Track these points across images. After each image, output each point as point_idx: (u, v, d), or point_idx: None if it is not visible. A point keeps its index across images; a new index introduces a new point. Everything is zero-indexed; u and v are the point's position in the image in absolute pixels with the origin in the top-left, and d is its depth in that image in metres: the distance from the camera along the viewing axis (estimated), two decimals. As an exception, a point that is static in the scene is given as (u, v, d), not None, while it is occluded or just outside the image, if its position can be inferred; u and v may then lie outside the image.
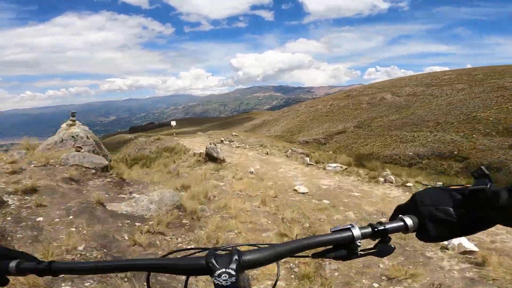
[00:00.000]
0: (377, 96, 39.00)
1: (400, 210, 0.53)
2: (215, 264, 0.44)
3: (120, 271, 0.50)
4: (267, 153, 11.40)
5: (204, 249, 0.49)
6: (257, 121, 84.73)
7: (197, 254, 0.54)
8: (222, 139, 14.74)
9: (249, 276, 0.43)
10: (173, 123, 19.72)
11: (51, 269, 0.48)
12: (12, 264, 0.48)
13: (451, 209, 0.46)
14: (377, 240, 0.51)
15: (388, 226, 0.50)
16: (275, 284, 0.59)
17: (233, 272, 0.43)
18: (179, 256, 0.52)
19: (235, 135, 16.25)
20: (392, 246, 0.49)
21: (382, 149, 21.15)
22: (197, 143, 14.01)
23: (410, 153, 18.63)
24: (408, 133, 22.61)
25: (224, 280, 0.42)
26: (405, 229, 0.50)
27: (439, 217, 0.47)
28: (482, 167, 0.46)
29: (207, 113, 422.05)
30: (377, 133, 25.68)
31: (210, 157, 9.55)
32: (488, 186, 0.42)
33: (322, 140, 29.66)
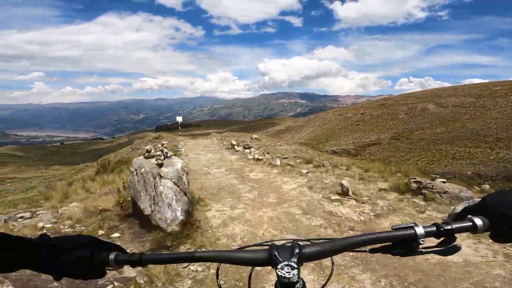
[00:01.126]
0: (417, 106, 35.23)
1: (468, 211, 0.52)
2: (278, 257, 0.47)
3: (196, 261, 0.53)
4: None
5: (268, 244, 0.52)
6: (280, 127, 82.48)
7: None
8: (234, 143, 10.66)
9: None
10: (179, 119, 17.04)
11: (142, 260, 0.53)
12: (112, 256, 0.52)
13: None
14: (441, 239, 0.50)
15: (454, 226, 0.49)
16: (329, 278, 0.60)
17: (294, 265, 0.45)
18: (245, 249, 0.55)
19: (256, 138, 13.00)
20: (458, 245, 0.48)
21: (430, 166, 18.03)
22: (199, 147, 11.32)
23: (469, 173, 15.41)
24: (461, 148, 19.23)
25: (287, 272, 0.44)
26: (473, 229, 0.49)
27: (510, 215, 0.46)
28: None
29: (231, 116, 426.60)
30: (420, 146, 22.40)
31: (135, 208, 3.85)
32: None
33: (352, 150, 26.71)
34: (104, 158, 14.40)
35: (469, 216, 0.50)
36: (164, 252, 0.62)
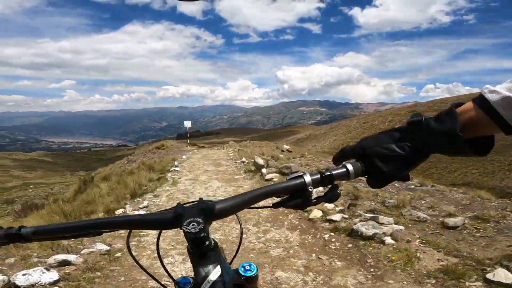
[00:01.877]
0: (454, 112, 32.25)
1: (345, 154, 0.54)
2: (183, 215, 0.46)
3: (99, 229, 0.49)
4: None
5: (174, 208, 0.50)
6: (301, 135, 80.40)
7: None
8: (261, 162, 6.95)
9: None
10: (187, 124, 14.41)
11: (21, 235, 0.47)
12: None
13: (393, 145, 0.49)
14: (328, 187, 0.52)
15: (333, 172, 0.51)
16: (240, 237, 0.63)
17: (200, 220, 0.44)
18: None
19: (288, 150, 10.52)
20: (338, 192, 0.51)
21: (482, 178, 15.51)
22: (205, 165, 8.45)
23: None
24: (517, 159, 16.49)
25: (192, 227, 0.43)
26: (347, 175, 0.51)
27: (384, 153, 0.49)
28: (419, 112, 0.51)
29: (250, 124, 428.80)
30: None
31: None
32: (423, 117, 0.48)
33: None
34: (89, 173, 13.36)
35: (343, 162, 0.52)
36: (53, 223, 0.50)
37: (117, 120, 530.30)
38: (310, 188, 0.50)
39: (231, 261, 0.61)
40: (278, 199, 0.53)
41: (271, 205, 0.53)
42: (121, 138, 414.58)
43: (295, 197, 0.51)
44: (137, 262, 0.53)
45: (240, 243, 0.63)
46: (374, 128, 39.86)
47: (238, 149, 11.77)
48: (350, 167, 0.51)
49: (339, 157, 0.54)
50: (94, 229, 0.48)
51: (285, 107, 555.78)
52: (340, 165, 0.52)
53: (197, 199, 0.50)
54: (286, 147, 11.09)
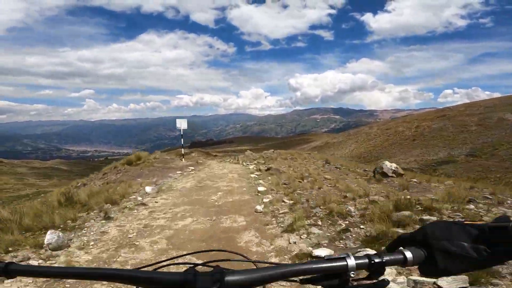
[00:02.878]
0: (491, 116, 29.02)
1: (402, 241, 0.50)
2: (193, 283, 0.40)
3: (96, 279, 0.45)
4: None
5: (186, 264, 0.46)
6: (316, 143, 77.66)
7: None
8: None
9: None
10: (182, 124, 11.16)
11: (7, 270, 0.46)
12: None
13: (466, 244, 0.44)
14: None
15: (385, 258, 0.46)
16: None
17: None
18: (157, 270, 0.48)
19: (341, 166, 8.49)
20: (387, 280, 0.46)
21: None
22: (197, 211, 4.70)
23: None
24: None
25: None
26: (403, 262, 0.46)
27: (453, 251, 0.44)
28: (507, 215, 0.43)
29: (264, 132, 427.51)
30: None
31: None
32: (511, 224, 0.41)
33: (416, 170, 21.72)
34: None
35: (400, 248, 0.48)
36: (43, 265, 0.42)
37: (133, 129, 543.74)
38: (353, 274, 0.44)
39: None
40: (309, 275, 0.46)
41: (298, 280, 0.47)
42: (137, 147, 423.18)
43: (331, 277, 0.45)
44: None
45: None
46: (399, 135, 36.95)
47: (260, 166, 8.50)
48: (409, 254, 0.46)
49: (396, 245, 0.49)
50: (93, 278, 0.44)
51: (298, 115, 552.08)
52: (396, 251, 0.48)
53: (213, 261, 0.44)
54: (340, 164, 8.54)
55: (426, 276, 0.48)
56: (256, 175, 7.38)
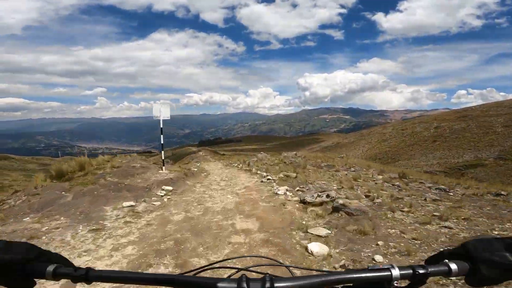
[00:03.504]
0: (520, 117, 27.06)
1: (445, 255, 0.52)
2: None
3: (159, 284, 0.49)
4: None
5: (237, 269, 0.48)
6: (327, 143, 75.86)
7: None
8: None
9: None
10: (161, 112, 8.12)
11: (87, 277, 0.49)
12: (50, 268, 0.49)
13: (507, 253, 0.46)
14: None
15: (430, 270, 0.48)
16: None
17: None
18: (213, 276, 0.50)
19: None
20: None
21: None
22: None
23: None
24: None
25: None
26: (447, 273, 0.49)
27: (496, 261, 0.47)
28: None
29: (272, 132, 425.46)
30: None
31: None
32: None
33: (440, 173, 20.18)
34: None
35: (445, 260, 0.50)
36: (117, 270, 0.54)
37: (144, 127, 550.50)
38: (396, 283, 0.46)
39: None
40: (351, 284, 0.48)
41: None
42: (146, 145, 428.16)
43: (373, 286, 0.47)
44: None
45: None
46: (416, 136, 35.16)
47: (320, 198, 4.68)
48: (453, 266, 0.48)
49: (438, 258, 0.52)
50: (153, 283, 0.48)
51: (307, 115, 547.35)
52: (440, 263, 0.50)
53: (263, 272, 0.46)
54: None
55: (473, 286, 0.48)
56: (315, 236, 3.52)
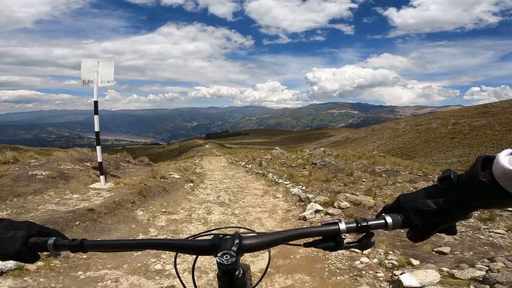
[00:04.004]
0: (546, 114, 25.38)
1: (385, 210, 0.59)
2: (219, 246, 0.51)
3: (144, 248, 0.57)
4: None
5: (212, 234, 0.57)
6: (336, 138, 74.40)
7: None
8: None
9: (249, 265, 0.56)
10: (96, 74, 4.86)
11: (83, 246, 0.56)
12: (50, 241, 0.55)
13: (428, 200, 0.52)
14: (361, 235, 0.56)
15: (370, 223, 0.55)
16: (266, 268, 0.68)
17: (233, 254, 0.50)
18: (193, 238, 0.60)
19: None
20: (372, 241, 0.55)
21: None
22: None
23: None
24: None
25: (225, 259, 0.49)
26: (385, 226, 0.55)
27: (419, 207, 0.53)
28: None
29: (279, 125, 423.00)
30: None
31: None
32: (452, 173, 0.50)
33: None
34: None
35: (383, 214, 0.56)
36: (108, 239, 0.67)
37: (152, 119, 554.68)
38: (344, 235, 0.54)
39: (255, 286, 0.67)
40: (311, 239, 0.56)
41: (302, 244, 0.57)
42: (154, 137, 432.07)
43: (327, 239, 0.55)
44: (182, 283, 0.63)
45: (265, 272, 0.68)
46: (433, 132, 33.68)
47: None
48: (389, 219, 0.54)
49: (381, 212, 0.58)
50: (145, 248, 0.56)
51: (315, 109, 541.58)
52: (379, 217, 0.56)
53: (234, 227, 0.56)
54: None
55: (413, 241, 0.54)
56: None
